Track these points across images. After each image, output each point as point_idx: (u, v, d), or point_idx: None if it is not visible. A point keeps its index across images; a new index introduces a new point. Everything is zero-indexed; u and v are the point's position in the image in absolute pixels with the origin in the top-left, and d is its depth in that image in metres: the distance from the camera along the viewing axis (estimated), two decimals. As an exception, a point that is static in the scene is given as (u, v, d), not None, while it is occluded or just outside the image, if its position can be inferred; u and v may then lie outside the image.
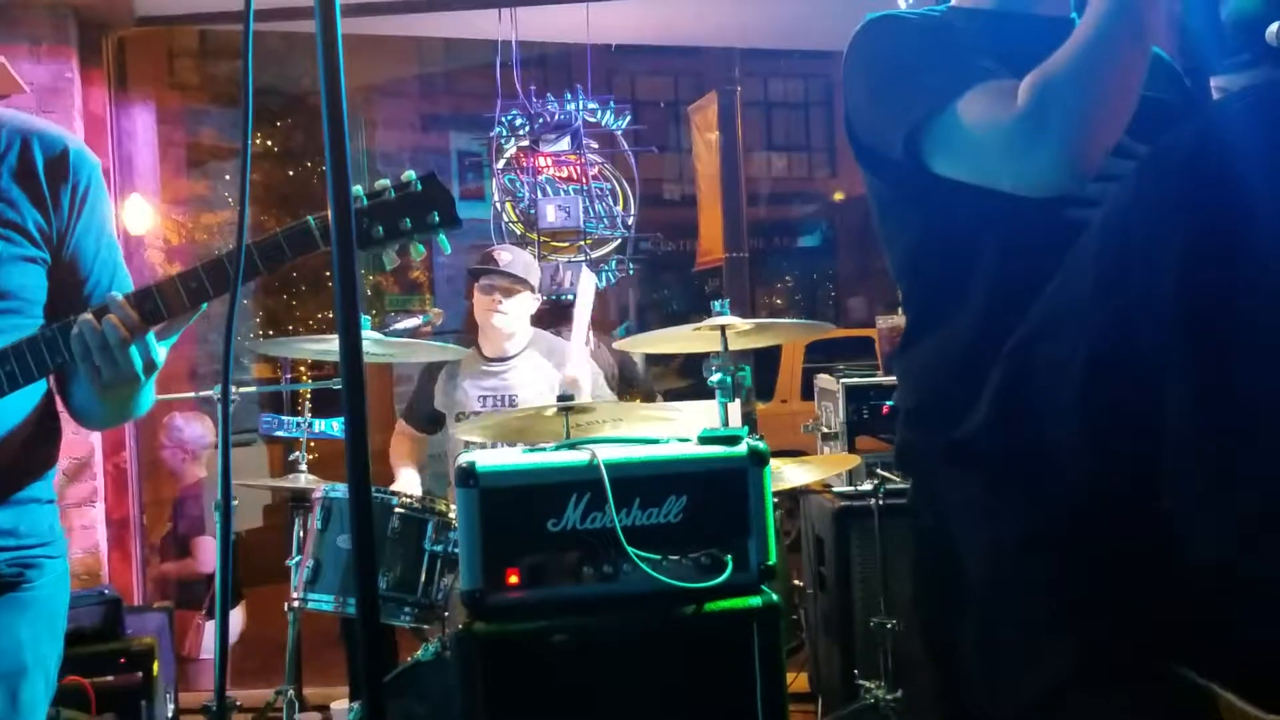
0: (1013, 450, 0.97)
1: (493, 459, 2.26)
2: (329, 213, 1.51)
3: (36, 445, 1.59)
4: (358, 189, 1.48)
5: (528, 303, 3.52)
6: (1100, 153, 1.19)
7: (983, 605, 0.97)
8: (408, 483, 3.49)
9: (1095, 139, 1.18)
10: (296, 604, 2.94)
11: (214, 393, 3.36)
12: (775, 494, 2.48)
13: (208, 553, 4.44)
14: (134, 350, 1.46)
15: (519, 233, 4.45)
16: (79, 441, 4.10)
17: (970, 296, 1.35)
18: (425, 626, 2.91)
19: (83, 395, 1.61)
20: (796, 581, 3.80)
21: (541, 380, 3.45)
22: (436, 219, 1.51)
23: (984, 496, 0.98)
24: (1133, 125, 1.21)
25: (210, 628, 4.25)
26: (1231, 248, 0.86)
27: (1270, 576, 0.87)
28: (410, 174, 1.53)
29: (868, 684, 3.20)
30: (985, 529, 0.98)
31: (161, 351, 1.52)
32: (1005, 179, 1.24)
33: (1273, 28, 1.27)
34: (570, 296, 4.44)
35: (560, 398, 2.81)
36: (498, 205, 4.45)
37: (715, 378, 2.58)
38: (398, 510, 2.88)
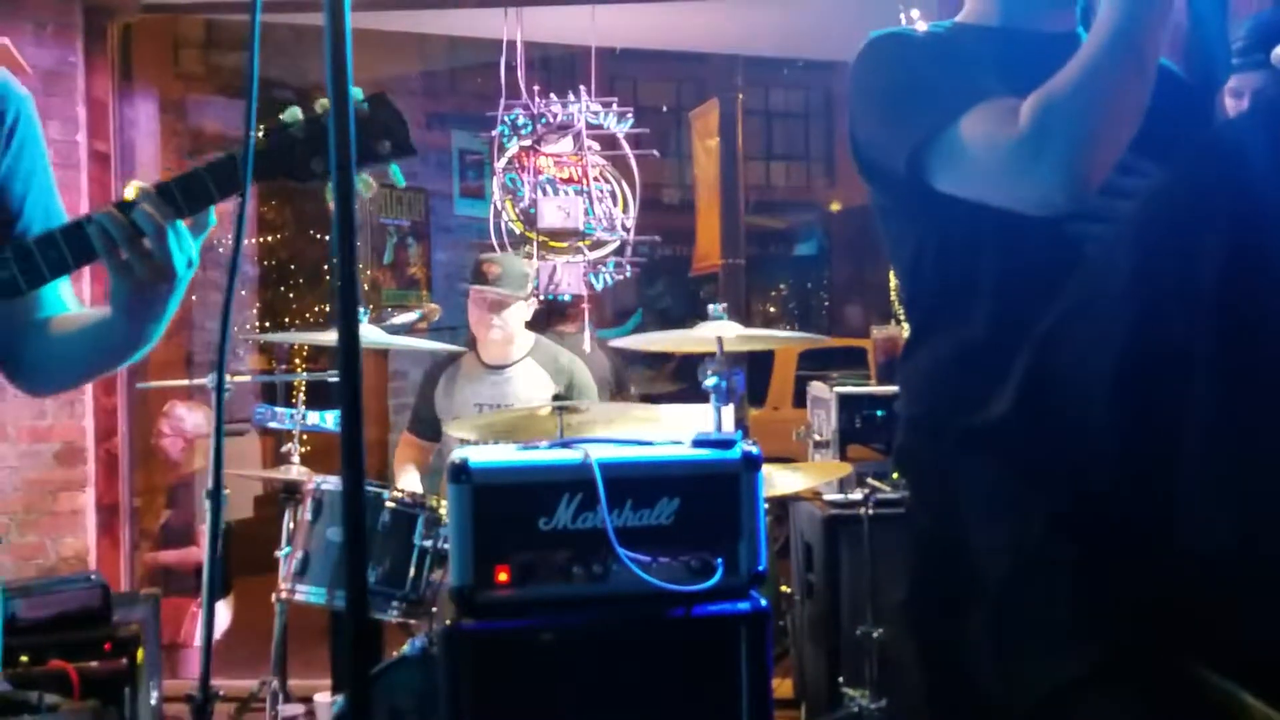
0: (1036, 439, 0.96)
1: (486, 456, 2.26)
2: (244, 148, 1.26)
3: None
4: (295, 110, 1.32)
5: (522, 311, 3.52)
6: (1101, 173, 1.22)
7: (1001, 598, 0.96)
8: (408, 483, 3.48)
9: (1096, 162, 1.21)
10: (284, 595, 2.94)
11: (208, 381, 3.36)
12: (765, 500, 2.49)
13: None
14: (172, 242, 1.28)
15: (518, 232, 4.45)
16: (71, 426, 4.09)
17: (971, 308, 1.39)
18: (412, 621, 2.91)
19: (58, 344, 1.44)
20: (784, 588, 3.81)
21: (540, 392, 3.44)
22: (388, 147, 1.29)
23: (1004, 486, 0.97)
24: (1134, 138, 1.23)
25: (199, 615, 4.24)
26: (1273, 243, 0.87)
27: (1268, 575, 0.87)
28: (356, 91, 1.21)
29: (852, 692, 3.21)
30: (1004, 520, 0.97)
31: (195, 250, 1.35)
32: (1005, 198, 1.28)
33: (1278, 50, 1.30)
34: (566, 297, 4.45)
35: (555, 397, 2.82)
36: (498, 204, 4.46)
37: (710, 381, 2.59)
38: (388, 505, 2.88)
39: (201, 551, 4.45)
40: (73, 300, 1.52)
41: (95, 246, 1.28)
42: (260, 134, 1.31)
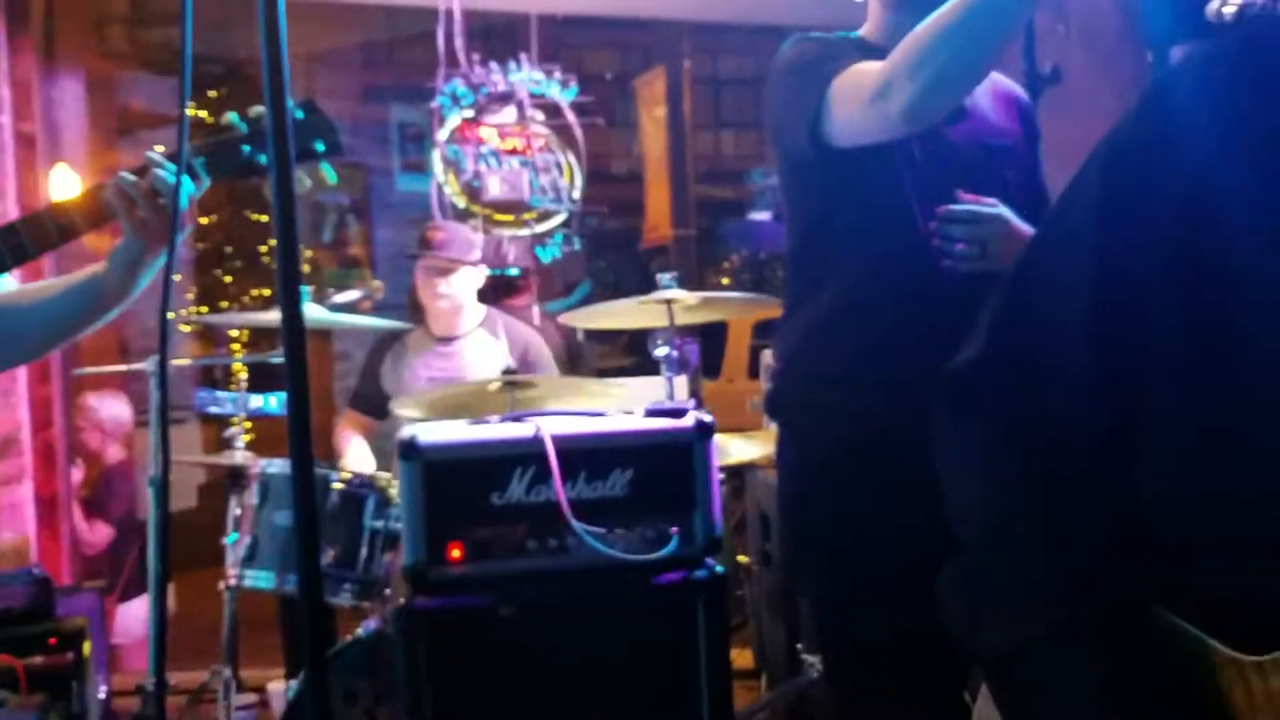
0: (1014, 387, 0.96)
1: (435, 432, 2.22)
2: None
3: None
4: (233, 116, 1.51)
5: (470, 277, 3.47)
6: (946, 109, 1.59)
7: (976, 546, 0.96)
8: (357, 451, 3.40)
9: (938, 105, 1.56)
10: (233, 582, 2.88)
11: (147, 365, 3.26)
12: (721, 470, 2.47)
13: (98, 534, 4.38)
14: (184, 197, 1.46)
15: (462, 205, 4.37)
16: (5, 418, 3.98)
17: (824, 288, 1.77)
18: (366, 604, 2.86)
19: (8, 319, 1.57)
20: (741, 558, 3.81)
21: (492, 362, 3.39)
22: (321, 147, 1.51)
23: (986, 438, 0.97)
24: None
25: (120, 611, 4.15)
26: (1230, 187, 0.87)
27: (1228, 519, 0.87)
28: (288, 102, 1.51)
29: (811, 659, 3.21)
30: (977, 474, 0.96)
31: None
32: (879, 134, 1.62)
33: (1213, 4, 1.34)
34: (514, 271, 4.39)
35: (505, 371, 2.78)
36: (440, 178, 4.37)
37: (661, 351, 2.56)
38: (336, 486, 2.82)
39: (84, 546, 4.37)
40: (9, 280, 1.59)
41: (112, 210, 1.48)
42: (210, 139, 1.52)
